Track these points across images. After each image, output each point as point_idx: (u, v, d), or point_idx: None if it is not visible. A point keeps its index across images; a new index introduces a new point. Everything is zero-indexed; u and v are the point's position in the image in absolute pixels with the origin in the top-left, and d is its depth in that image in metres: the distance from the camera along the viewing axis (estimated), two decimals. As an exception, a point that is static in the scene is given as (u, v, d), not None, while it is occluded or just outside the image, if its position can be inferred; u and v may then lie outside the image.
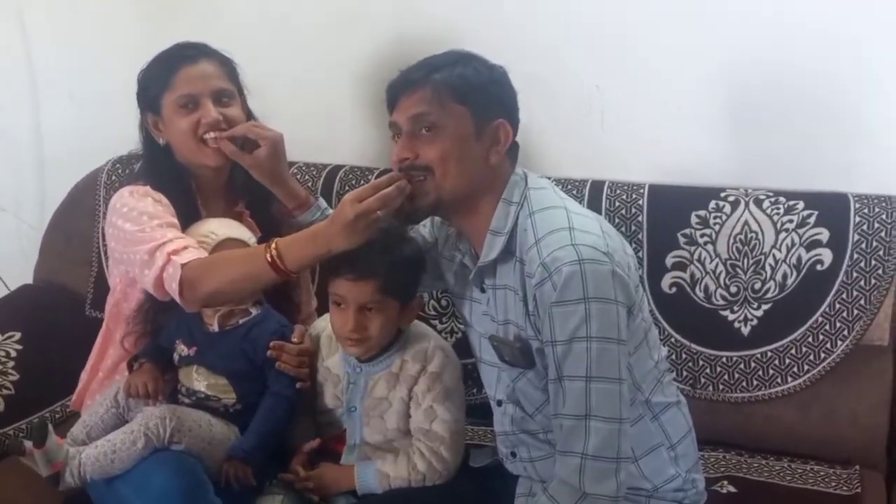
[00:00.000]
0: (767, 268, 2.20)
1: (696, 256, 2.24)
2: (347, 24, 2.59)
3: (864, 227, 2.16)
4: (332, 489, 1.95)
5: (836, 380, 2.18)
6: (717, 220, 2.24)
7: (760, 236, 2.21)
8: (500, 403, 1.87)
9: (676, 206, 2.28)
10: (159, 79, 2.04)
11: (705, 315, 2.23)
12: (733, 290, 2.22)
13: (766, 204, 2.22)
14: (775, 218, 2.21)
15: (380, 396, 1.95)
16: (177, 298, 1.88)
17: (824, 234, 2.18)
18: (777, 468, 2.16)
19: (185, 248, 1.92)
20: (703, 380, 2.23)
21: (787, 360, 2.19)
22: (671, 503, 1.79)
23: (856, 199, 2.19)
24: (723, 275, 2.23)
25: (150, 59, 2.08)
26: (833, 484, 2.10)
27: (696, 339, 2.24)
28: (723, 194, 2.26)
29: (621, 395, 1.61)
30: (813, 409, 2.19)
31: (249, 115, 2.10)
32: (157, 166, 2.09)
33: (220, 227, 2.02)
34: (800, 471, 2.15)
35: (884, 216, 2.16)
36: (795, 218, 2.20)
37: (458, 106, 1.70)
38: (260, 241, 2.03)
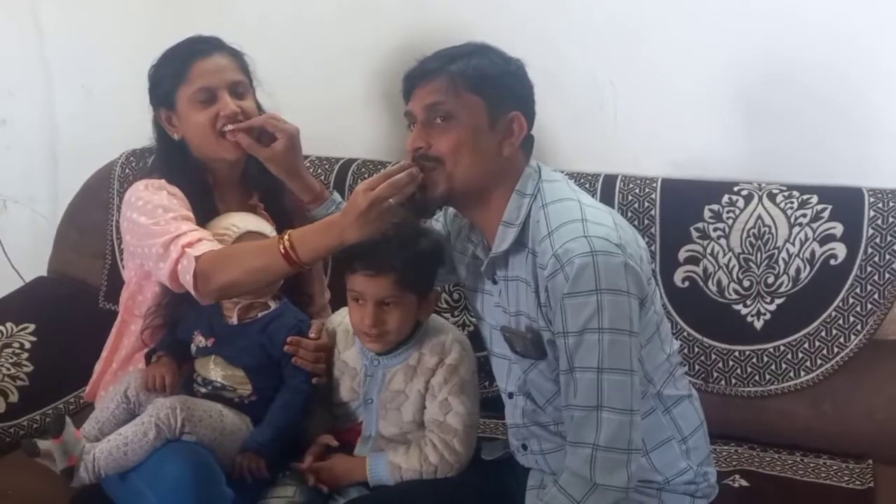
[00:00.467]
0: (781, 262, 2.20)
1: (708, 250, 2.24)
2: (358, 18, 2.60)
3: (879, 221, 2.16)
4: (344, 480, 1.96)
5: (849, 374, 2.17)
6: (731, 215, 2.24)
7: (774, 230, 2.21)
8: (511, 396, 1.87)
9: (689, 200, 2.28)
10: (173, 73, 2.03)
11: (718, 309, 2.23)
12: (746, 284, 2.22)
13: (779, 198, 2.22)
14: (789, 212, 2.21)
15: (397, 389, 1.95)
16: (191, 290, 1.89)
17: (838, 229, 2.18)
18: (790, 462, 2.17)
19: (200, 240, 1.92)
20: (715, 374, 2.23)
21: (801, 355, 2.19)
22: (682, 496, 1.79)
23: (870, 193, 2.19)
24: (736, 269, 2.23)
25: (160, 55, 2.07)
26: (846, 478, 2.10)
27: (708, 333, 2.24)
28: (736, 188, 2.26)
29: (633, 386, 1.62)
30: (826, 404, 2.19)
31: (260, 108, 2.10)
32: (173, 162, 2.08)
33: (242, 221, 2.03)
34: (812, 465, 2.16)
35: None
36: (809, 212, 2.20)
37: (473, 96, 1.70)
38: None
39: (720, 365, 2.23)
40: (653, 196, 2.28)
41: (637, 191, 2.30)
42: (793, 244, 2.19)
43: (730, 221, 2.23)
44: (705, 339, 2.24)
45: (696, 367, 2.24)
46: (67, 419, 1.93)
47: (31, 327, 2.43)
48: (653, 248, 2.25)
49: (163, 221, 1.95)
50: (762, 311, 2.21)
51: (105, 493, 1.97)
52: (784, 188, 2.23)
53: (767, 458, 2.17)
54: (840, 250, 2.17)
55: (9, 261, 2.96)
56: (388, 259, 1.83)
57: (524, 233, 1.73)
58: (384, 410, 1.96)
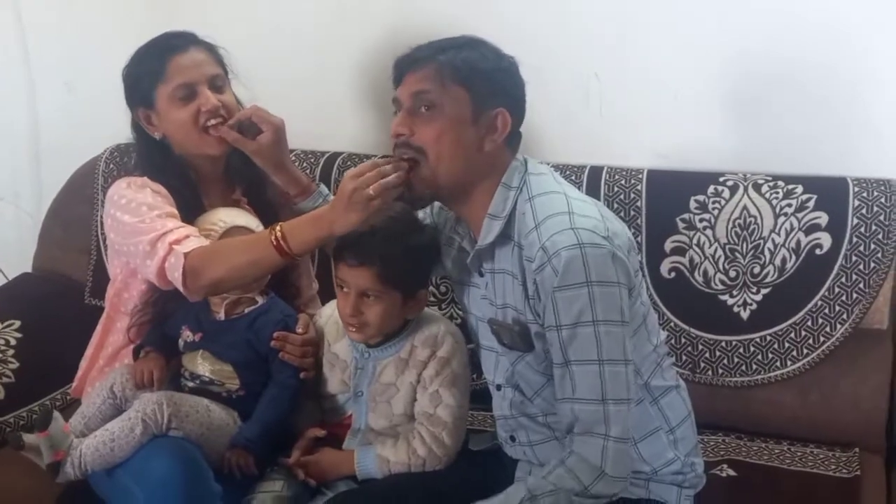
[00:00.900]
0: (766, 252, 2.21)
1: (694, 241, 2.24)
2: (345, 13, 2.59)
3: (864, 210, 2.16)
4: (332, 474, 1.96)
5: (835, 364, 2.18)
6: (716, 205, 2.24)
7: (759, 221, 2.21)
8: (499, 388, 1.87)
9: (675, 191, 2.28)
10: (150, 72, 2.01)
11: (704, 300, 2.24)
12: (732, 274, 2.23)
13: (764, 188, 2.23)
14: (774, 202, 2.21)
15: (387, 382, 1.95)
16: (180, 288, 1.88)
17: (823, 218, 2.18)
18: (777, 451, 2.18)
19: (187, 237, 1.91)
20: (702, 364, 2.24)
21: (787, 344, 2.20)
22: (670, 486, 1.79)
23: (855, 182, 2.20)
24: (722, 259, 2.23)
25: (133, 54, 2.05)
26: (833, 467, 2.11)
27: (695, 323, 2.25)
28: (721, 179, 2.27)
29: (628, 375, 1.63)
30: (812, 393, 2.19)
31: (238, 100, 2.09)
32: (155, 161, 2.07)
33: (228, 216, 2.03)
34: (799, 454, 2.16)
35: (882, 200, 2.16)
36: (794, 202, 2.20)
37: (459, 88, 1.69)
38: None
39: (707, 355, 2.24)
40: (639, 187, 2.29)
41: (623, 182, 2.30)
42: (778, 234, 2.20)
43: (715, 212, 2.24)
44: (692, 330, 2.25)
45: (683, 357, 2.24)
46: (56, 413, 1.93)
47: (17, 324, 2.42)
48: (639, 239, 2.25)
49: (148, 219, 1.94)
50: (748, 301, 2.22)
51: (92, 489, 1.96)
52: (769, 178, 2.24)
53: (755, 448, 2.18)
54: (825, 240, 2.18)
55: (-8, 257, 2.96)
56: (372, 251, 1.83)
57: (510, 225, 1.73)
58: (374, 403, 1.96)
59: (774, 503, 1.99)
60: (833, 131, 2.29)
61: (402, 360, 1.94)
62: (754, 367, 2.21)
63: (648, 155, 2.39)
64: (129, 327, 2.08)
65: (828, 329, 2.17)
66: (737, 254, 2.22)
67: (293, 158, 2.27)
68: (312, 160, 2.53)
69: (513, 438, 1.88)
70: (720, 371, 2.23)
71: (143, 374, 1.99)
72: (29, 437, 1.90)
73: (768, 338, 2.20)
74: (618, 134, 2.42)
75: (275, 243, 1.81)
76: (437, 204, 1.94)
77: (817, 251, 2.18)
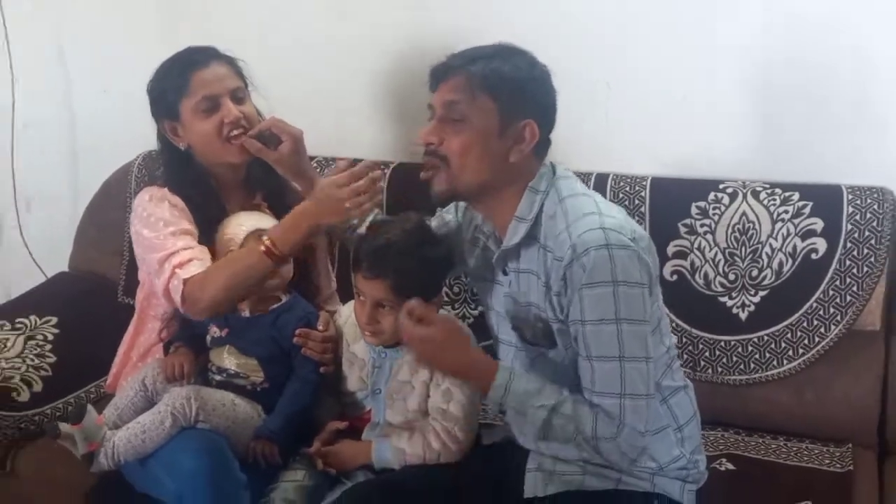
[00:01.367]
0: (764, 256, 2.20)
1: (696, 245, 2.24)
2: (361, 24, 2.58)
3: (857, 217, 2.15)
4: (350, 464, 1.97)
5: (829, 363, 2.17)
6: (717, 211, 2.23)
7: (757, 226, 2.20)
8: None
9: (677, 197, 2.27)
10: (175, 86, 2.02)
11: (705, 301, 2.23)
12: (731, 277, 2.22)
13: (762, 195, 2.22)
14: (772, 209, 2.20)
15: (403, 380, 1.96)
16: (181, 310, 1.93)
17: (818, 224, 2.17)
18: (773, 447, 2.17)
19: (190, 260, 1.95)
20: (702, 363, 2.23)
21: (783, 344, 2.19)
22: (674, 480, 1.79)
23: (849, 190, 2.18)
24: (721, 263, 2.22)
25: (161, 65, 2.06)
26: (827, 461, 2.10)
27: (696, 324, 2.24)
28: (721, 186, 2.25)
29: (648, 372, 1.65)
30: (807, 391, 2.18)
31: (258, 111, 2.11)
32: (180, 171, 2.09)
33: (248, 220, 2.04)
34: (795, 449, 2.16)
35: (875, 207, 2.15)
36: (791, 209, 2.19)
37: (487, 99, 1.68)
38: None
39: (707, 354, 2.23)
40: (643, 194, 2.28)
41: (627, 189, 2.29)
42: (775, 239, 2.19)
43: (716, 217, 2.23)
44: (693, 330, 2.24)
45: (685, 356, 2.23)
46: (89, 406, 1.95)
47: (54, 320, 2.44)
48: (643, 243, 2.25)
49: (162, 236, 1.98)
50: (747, 302, 2.21)
51: (125, 479, 1.98)
52: (767, 186, 2.22)
53: (752, 443, 2.17)
54: (820, 245, 2.16)
55: (32, 257, 2.98)
56: (386, 265, 1.83)
57: (536, 227, 1.73)
58: (391, 400, 1.97)
59: (771, 496, 1.98)
60: (833, 140, 2.27)
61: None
62: (752, 365, 2.20)
63: (652, 163, 2.37)
64: (161, 330, 2.11)
65: (822, 330, 2.16)
66: (736, 258, 2.21)
67: (315, 165, 2.29)
68: (333, 166, 2.52)
69: (519, 430, 1.84)
70: (720, 369, 2.22)
71: (173, 367, 2.01)
72: (65, 427, 1.92)
73: (765, 338, 2.19)
74: (623, 142, 2.41)
75: (265, 250, 1.88)
76: (462, 204, 1.95)
77: (813, 255, 2.16)
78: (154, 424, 1.90)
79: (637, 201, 2.27)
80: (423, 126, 1.76)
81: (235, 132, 2.01)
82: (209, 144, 2.03)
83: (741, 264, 2.21)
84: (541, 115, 1.72)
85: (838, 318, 2.16)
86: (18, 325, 2.41)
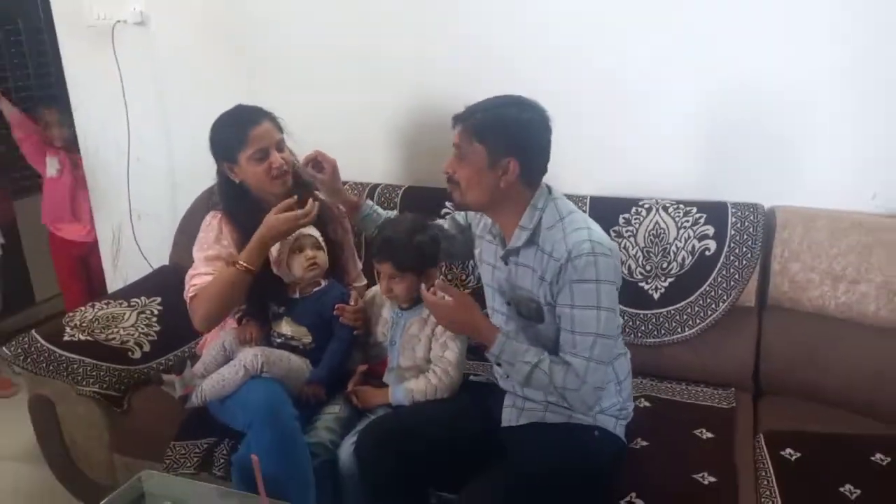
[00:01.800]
0: (671, 253, 2.20)
1: (622, 245, 2.22)
2: (380, 80, 2.49)
3: (738, 225, 2.15)
4: (373, 402, 1.97)
5: (718, 330, 2.17)
6: (637, 220, 2.23)
7: (667, 232, 2.20)
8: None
9: (609, 210, 2.25)
10: (236, 140, 1.94)
11: (629, 285, 2.20)
12: (648, 268, 2.22)
13: (671, 209, 2.21)
14: (677, 219, 2.20)
15: (413, 334, 1.97)
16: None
17: (711, 230, 2.17)
18: (678, 389, 2.17)
19: (195, 285, 1.92)
20: (627, 329, 2.21)
21: (685, 317, 2.19)
22: (610, 417, 1.81)
23: (732, 206, 2.18)
24: (640, 258, 2.22)
25: (219, 120, 1.98)
26: (716, 400, 2.12)
27: (622, 302, 2.17)
28: (640, 202, 2.24)
29: (612, 347, 1.69)
30: (702, 350, 2.19)
31: (292, 153, 2.04)
32: (237, 199, 2.02)
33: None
34: (693, 391, 2.16)
35: (752, 217, 2.15)
36: (691, 219, 2.19)
37: (478, 145, 1.66)
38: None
39: (630, 323, 2.21)
40: (584, 208, 2.24)
41: (575, 203, 2.25)
42: (680, 241, 2.19)
43: (636, 225, 2.22)
44: (621, 306, 2.14)
45: (616, 325, 2.22)
46: (188, 362, 1.98)
47: (159, 299, 2.44)
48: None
49: (198, 258, 1.96)
50: (659, 286, 2.21)
51: (209, 413, 2.00)
52: (674, 202, 2.21)
53: (663, 387, 2.18)
54: (712, 245, 2.16)
55: (142, 255, 2.97)
56: (388, 253, 1.87)
57: (535, 234, 1.71)
58: (403, 350, 1.97)
59: (677, 424, 1.98)
60: (720, 167, 2.23)
61: (423, 320, 1.95)
62: (662, 332, 2.19)
63: (592, 185, 2.32)
64: (236, 314, 2.08)
65: (714, 306, 2.16)
66: (651, 254, 2.20)
67: (346, 186, 2.28)
68: (359, 189, 2.47)
69: (508, 376, 1.83)
70: (639, 335, 2.21)
71: (245, 334, 2.02)
72: (167, 377, 1.94)
73: (672, 312, 2.19)
74: (570, 170, 2.27)
75: (242, 269, 1.87)
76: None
77: (706, 253, 2.16)
78: (231, 374, 1.91)
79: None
80: (444, 159, 1.75)
81: (278, 173, 1.97)
82: (261, 182, 1.98)
83: (655, 259, 2.21)
84: (521, 154, 1.65)
85: (725, 297, 2.15)
86: (133, 303, 2.41)
